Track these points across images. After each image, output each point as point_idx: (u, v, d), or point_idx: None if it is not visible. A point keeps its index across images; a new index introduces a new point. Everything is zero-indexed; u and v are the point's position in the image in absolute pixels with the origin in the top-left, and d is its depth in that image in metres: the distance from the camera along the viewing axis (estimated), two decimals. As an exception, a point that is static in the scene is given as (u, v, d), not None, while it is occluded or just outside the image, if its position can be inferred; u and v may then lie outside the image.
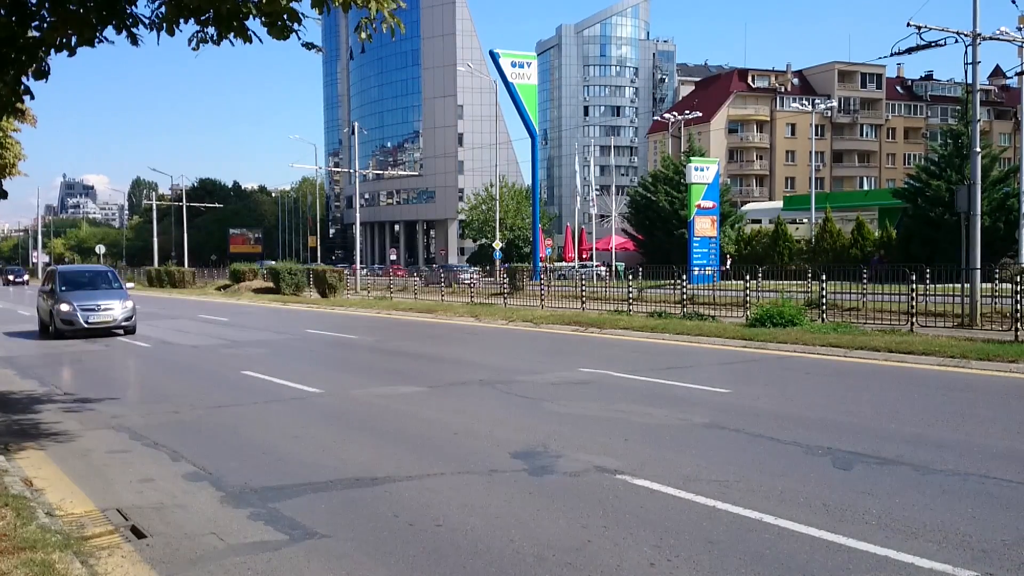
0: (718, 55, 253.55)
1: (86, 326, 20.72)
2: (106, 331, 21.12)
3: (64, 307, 20.76)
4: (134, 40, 6.51)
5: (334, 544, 5.57)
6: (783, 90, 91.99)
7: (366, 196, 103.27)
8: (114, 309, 21.16)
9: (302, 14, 6.51)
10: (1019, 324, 15.55)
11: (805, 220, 51.77)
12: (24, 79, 6.89)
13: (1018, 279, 15.88)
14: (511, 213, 73.09)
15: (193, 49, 6.71)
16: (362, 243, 74.98)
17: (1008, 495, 6.31)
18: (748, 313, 20.28)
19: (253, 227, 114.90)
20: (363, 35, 6.70)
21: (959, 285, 19.82)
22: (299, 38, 6.58)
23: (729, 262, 42.37)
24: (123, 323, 21.27)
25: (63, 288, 21.50)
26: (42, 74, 6.81)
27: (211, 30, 6.52)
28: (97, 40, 6.49)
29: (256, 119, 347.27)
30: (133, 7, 6.38)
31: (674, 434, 8.72)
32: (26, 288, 66.28)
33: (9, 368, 15.44)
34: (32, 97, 7.11)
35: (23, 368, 15.42)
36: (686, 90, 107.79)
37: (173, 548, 5.56)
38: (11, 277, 79.10)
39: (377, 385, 12.47)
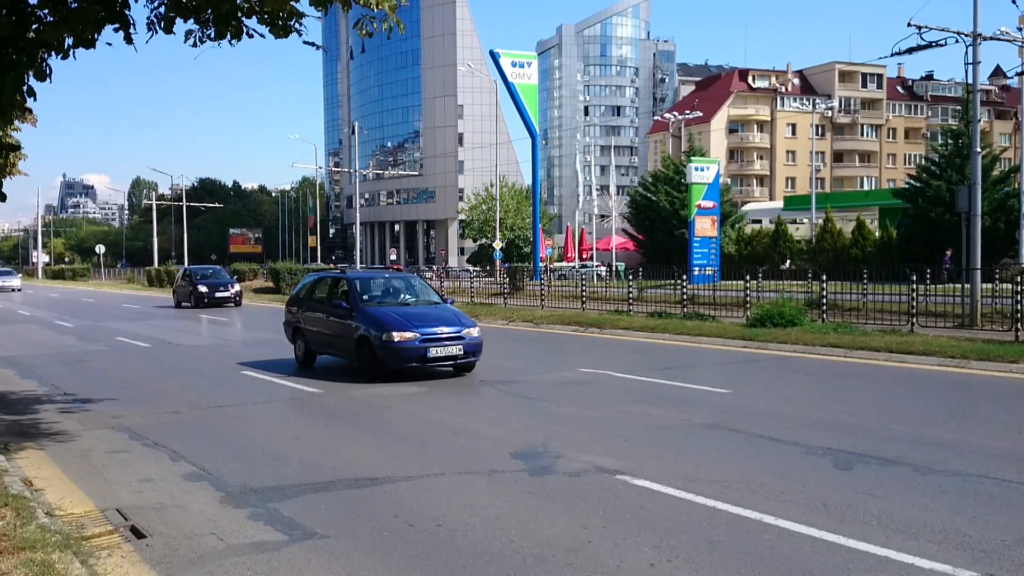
0: (718, 55, 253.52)
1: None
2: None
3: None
4: (129, 40, 6.50)
5: (334, 544, 5.57)
6: (783, 90, 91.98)
7: (366, 196, 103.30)
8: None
9: (302, 13, 6.51)
10: (1019, 324, 15.53)
11: (805, 220, 51.71)
12: (26, 80, 6.88)
13: (1018, 279, 15.87)
14: (511, 213, 73.00)
15: (192, 47, 6.70)
16: (362, 243, 74.99)
17: (1008, 495, 6.30)
18: (748, 313, 20.26)
19: (253, 227, 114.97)
20: (363, 32, 6.69)
21: (959, 285, 19.81)
22: (300, 35, 6.57)
23: (788, 263, 41.59)
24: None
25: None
26: (43, 75, 6.81)
27: (210, 30, 6.52)
28: (94, 41, 6.48)
29: (256, 119, 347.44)
30: (128, 10, 6.37)
31: (674, 434, 8.72)
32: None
33: (9, 368, 15.43)
34: (35, 98, 7.12)
35: (23, 368, 15.41)
36: (686, 90, 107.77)
37: (173, 548, 5.56)
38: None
39: (377, 385, 12.46)
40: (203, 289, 33.26)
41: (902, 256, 38.90)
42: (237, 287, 34.86)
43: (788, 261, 42.54)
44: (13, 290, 54.91)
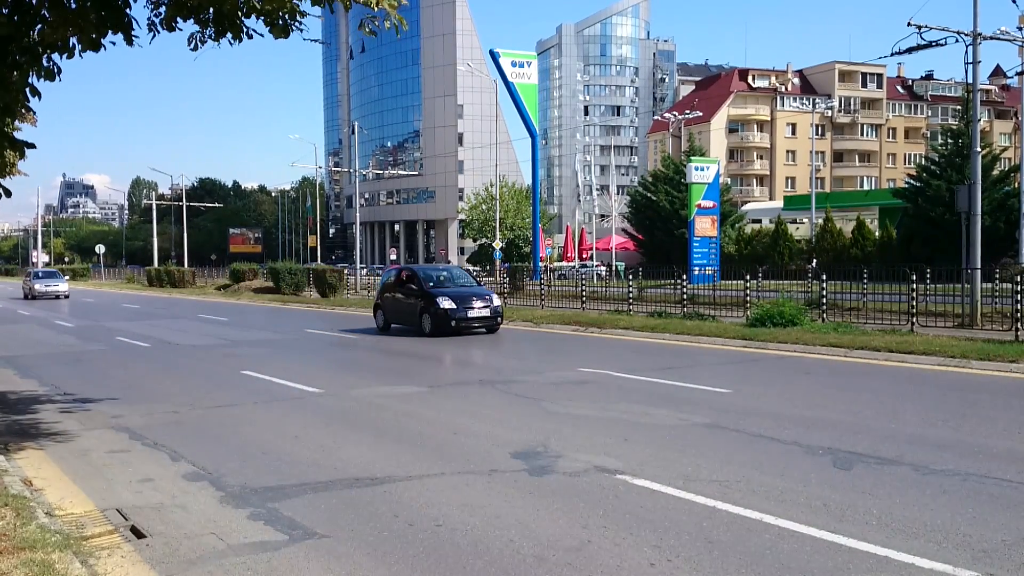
0: (718, 55, 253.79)
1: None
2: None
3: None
4: (130, 40, 6.49)
5: (334, 544, 5.57)
6: (783, 90, 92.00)
7: (366, 196, 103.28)
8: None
9: (303, 12, 6.50)
10: (1019, 324, 15.54)
11: (805, 220, 51.75)
12: (31, 79, 6.87)
13: (1018, 279, 15.87)
14: (511, 213, 73.03)
15: (192, 49, 6.70)
16: (362, 243, 74.96)
17: (1008, 495, 6.30)
18: (748, 313, 20.27)
19: (253, 227, 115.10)
20: (367, 30, 6.70)
21: (959, 285, 19.81)
22: (301, 30, 6.57)
23: (814, 261, 41.35)
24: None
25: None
26: (51, 74, 6.80)
27: (210, 30, 6.52)
28: (99, 42, 6.47)
29: (256, 119, 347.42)
30: (128, 9, 6.36)
31: (674, 434, 8.72)
32: None
33: (9, 368, 15.43)
34: (39, 98, 7.10)
35: (23, 368, 15.41)
36: (686, 90, 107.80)
37: (173, 548, 5.56)
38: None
39: (377, 385, 12.46)
40: (448, 305, 19.52)
41: (902, 256, 38.94)
42: (496, 300, 20.83)
43: (815, 260, 41.80)
44: (57, 296, 43.93)
